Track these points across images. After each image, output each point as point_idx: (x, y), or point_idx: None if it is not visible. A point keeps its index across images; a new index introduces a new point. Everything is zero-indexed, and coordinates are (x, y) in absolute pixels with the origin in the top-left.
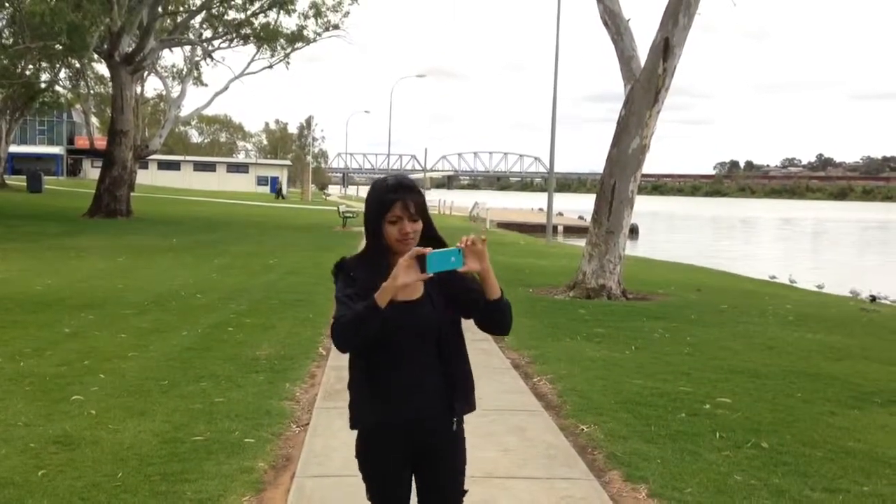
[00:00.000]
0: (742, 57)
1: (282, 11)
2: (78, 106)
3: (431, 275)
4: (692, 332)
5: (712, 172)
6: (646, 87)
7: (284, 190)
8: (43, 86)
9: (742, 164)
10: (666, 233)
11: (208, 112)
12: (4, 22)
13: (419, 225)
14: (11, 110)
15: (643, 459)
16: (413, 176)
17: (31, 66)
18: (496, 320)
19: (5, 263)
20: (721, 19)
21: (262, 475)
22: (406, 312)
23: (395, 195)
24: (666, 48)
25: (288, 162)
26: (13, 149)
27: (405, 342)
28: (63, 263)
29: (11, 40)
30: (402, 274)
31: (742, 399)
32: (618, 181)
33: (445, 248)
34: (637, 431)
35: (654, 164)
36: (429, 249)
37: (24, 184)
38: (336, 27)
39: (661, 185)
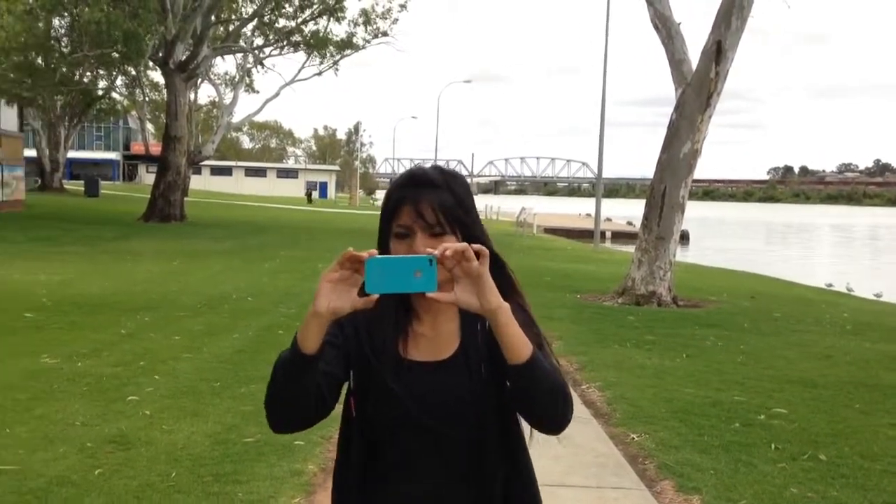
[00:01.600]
0: (799, 60)
1: (332, 19)
2: (134, 112)
3: (375, 297)
4: (745, 340)
5: (766, 178)
6: (697, 91)
7: (333, 194)
8: (100, 93)
9: (796, 170)
10: (717, 239)
11: (259, 118)
12: (64, 30)
13: (449, 244)
14: (70, 117)
15: (696, 470)
16: None
17: (88, 74)
18: (525, 399)
19: (64, 266)
20: (776, 22)
21: (311, 478)
22: (418, 382)
23: (400, 193)
24: (718, 51)
25: (336, 167)
26: (71, 154)
27: (416, 435)
28: (119, 266)
29: (69, 48)
30: (325, 294)
31: (798, 409)
32: (668, 186)
33: (405, 255)
34: (689, 441)
35: (705, 169)
36: (366, 253)
37: (82, 188)
38: (385, 34)
39: (712, 191)
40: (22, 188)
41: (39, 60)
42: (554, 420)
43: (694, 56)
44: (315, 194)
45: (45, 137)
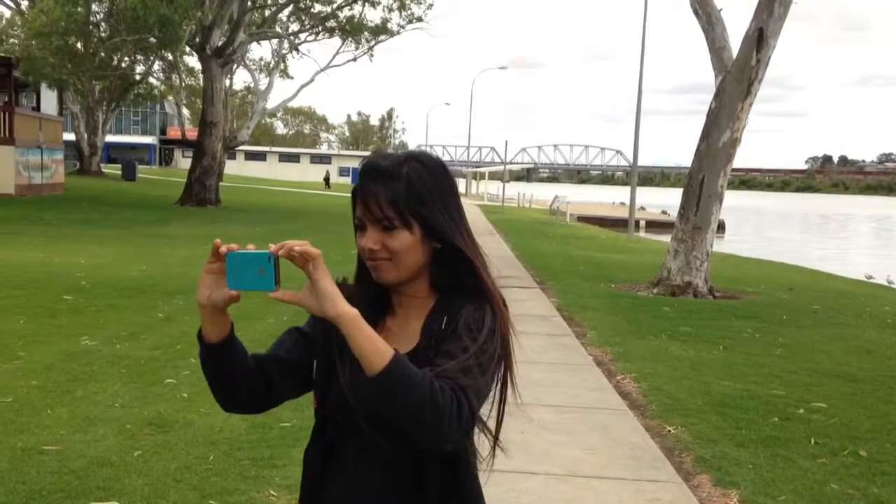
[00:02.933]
0: (840, 48)
1: (366, 4)
2: (170, 97)
3: (234, 294)
4: (784, 332)
5: (804, 167)
6: (738, 79)
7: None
8: (137, 78)
9: (836, 159)
10: (754, 229)
11: (293, 104)
12: (102, 16)
13: (400, 240)
14: (108, 101)
15: (734, 464)
16: (492, 169)
17: (126, 59)
18: (381, 413)
19: (102, 249)
20: (820, 9)
21: None
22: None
23: (357, 183)
24: (760, 38)
25: (369, 154)
26: (109, 138)
27: (363, 436)
28: (156, 250)
29: (108, 33)
30: (206, 285)
31: (838, 404)
32: (707, 175)
33: (253, 251)
34: (727, 435)
35: (742, 158)
36: (225, 247)
37: (120, 172)
38: (419, 19)
39: (749, 180)
40: (61, 171)
41: (79, 45)
42: (414, 440)
43: (735, 42)
44: (348, 180)
45: (83, 121)
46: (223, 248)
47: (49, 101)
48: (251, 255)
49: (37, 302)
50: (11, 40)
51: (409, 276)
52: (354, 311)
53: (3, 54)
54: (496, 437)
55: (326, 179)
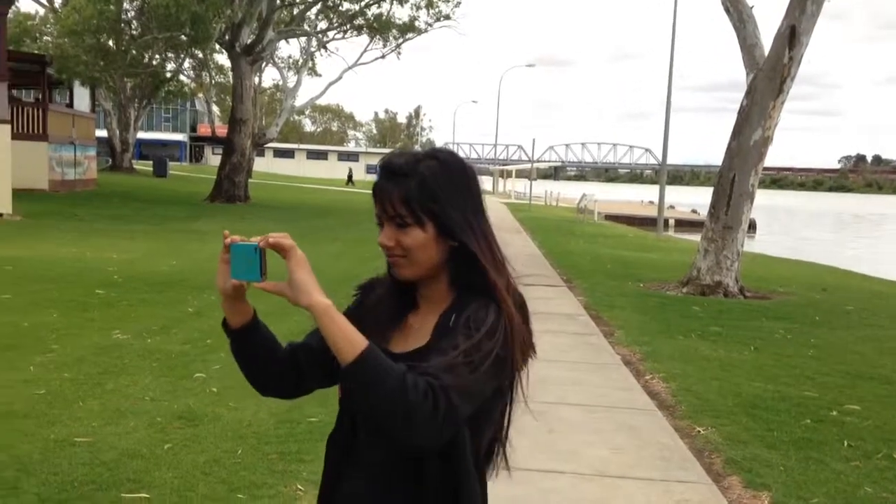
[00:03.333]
0: (875, 47)
1: (394, 2)
2: (200, 95)
3: (236, 283)
4: (816, 333)
5: (837, 166)
6: (770, 77)
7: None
8: (168, 75)
9: (869, 158)
10: (786, 229)
11: (321, 101)
12: (134, 14)
13: (413, 237)
14: (139, 98)
15: (765, 466)
16: (519, 167)
17: (157, 57)
18: (353, 403)
19: (134, 244)
20: (853, 7)
21: None
22: None
23: (375, 182)
24: (792, 36)
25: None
26: (140, 135)
27: (366, 435)
28: (187, 245)
29: (139, 31)
30: (221, 274)
31: (872, 407)
32: (737, 174)
33: (245, 243)
34: (758, 436)
35: (774, 156)
36: (229, 239)
37: (151, 169)
38: (447, 17)
39: (780, 179)
40: (94, 167)
41: (111, 43)
42: (389, 436)
43: (766, 40)
44: (375, 177)
45: (115, 118)
46: (227, 240)
47: (82, 98)
48: (244, 246)
49: (70, 296)
50: (45, 38)
51: (426, 274)
52: (327, 302)
53: (36, 52)
54: (503, 439)
55: (349, 177)
